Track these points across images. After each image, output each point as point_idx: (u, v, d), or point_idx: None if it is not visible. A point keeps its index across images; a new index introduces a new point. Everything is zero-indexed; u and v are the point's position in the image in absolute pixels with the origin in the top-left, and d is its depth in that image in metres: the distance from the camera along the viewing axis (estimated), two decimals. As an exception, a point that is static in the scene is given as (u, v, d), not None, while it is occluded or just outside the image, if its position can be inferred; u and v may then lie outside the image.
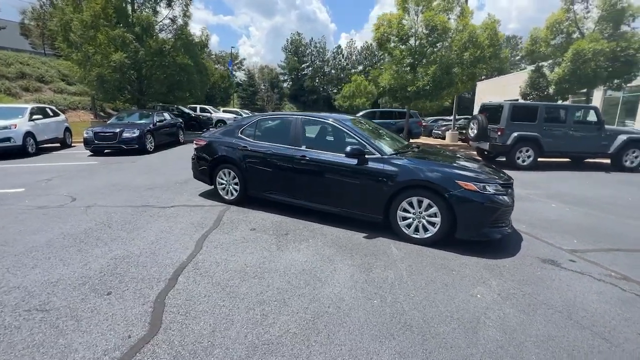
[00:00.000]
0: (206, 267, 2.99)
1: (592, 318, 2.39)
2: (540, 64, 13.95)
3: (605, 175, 8.36)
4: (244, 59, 55.14)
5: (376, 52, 66.45)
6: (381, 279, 2.87)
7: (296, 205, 4.40)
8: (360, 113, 15.25)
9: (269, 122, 4.97)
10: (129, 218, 4.24)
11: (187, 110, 19.15)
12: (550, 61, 13.60)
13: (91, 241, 3.48)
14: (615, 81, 12.30)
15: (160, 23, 15.60)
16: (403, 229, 3.66)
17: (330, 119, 4.39)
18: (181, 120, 14.09)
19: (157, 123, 11.30)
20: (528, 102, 13.30)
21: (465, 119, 19.08)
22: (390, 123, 13.97)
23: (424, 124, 17.01)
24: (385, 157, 3.75)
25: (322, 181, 4.09)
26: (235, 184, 4.87)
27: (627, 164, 8.82)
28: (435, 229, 3.49)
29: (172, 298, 2.48)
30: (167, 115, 12.65)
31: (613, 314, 2.44)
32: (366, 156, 3.78)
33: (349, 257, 3.27)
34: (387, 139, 4.57)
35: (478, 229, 3.35)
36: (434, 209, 3.46)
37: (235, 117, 23.28)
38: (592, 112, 9.04)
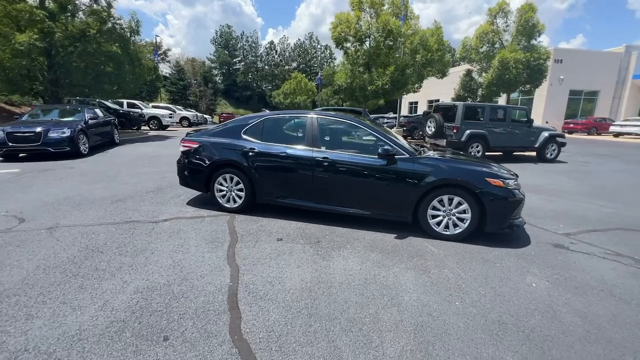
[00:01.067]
0: (260, 288, 2.61)
1: (628, 292, 2.78)
2: (470, 69, 15.78)
3: (535, 166, 9.88)
4: (169, 49, 50.13)
5: (309, 50, 67.25)
6: (443, 279, 2.88)
7: (311, 210, 4.16)
8: (317, 110, 15.24)
9: (279, 122, 4.59)
10: (119, 239, 3.47)
11: (113, 106, 16.62)
12: (478, 67, 15.48)
13: (90, 273, 2.74)
14: (527, 86, 14.63)
15: (80, 2, 13.14)
16: (433, 226, 3.75)
17: (348, 119, 4.26)
18: (114, 117, 12.17)
19: (90, 120, 9.54)
20: (477, 102, 14.91)
21: (405, 117, 20.60)
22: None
23: (373, 121, 17.85)
24: (415, 157, 3.78)
25: (349, 184, 3.94)
26: (239, 190, 4.40)
27: (548, 155, 10.57)
28: (465, 225, 3.66)
29: (250, 332, 2.10)
30: (99, 112, 10.76)
31: (636, 286, 2.88)
32: (395, 157, 3.76)
33: (397, 260, 3.21)
34: (401, 138, 4.62)
35: (505, 221, 3.62)
36: (464, 206, 3.62)
37: (170, 114, 21.11)
38: (524, 112, 10.59)
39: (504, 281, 2.88)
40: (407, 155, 3.80)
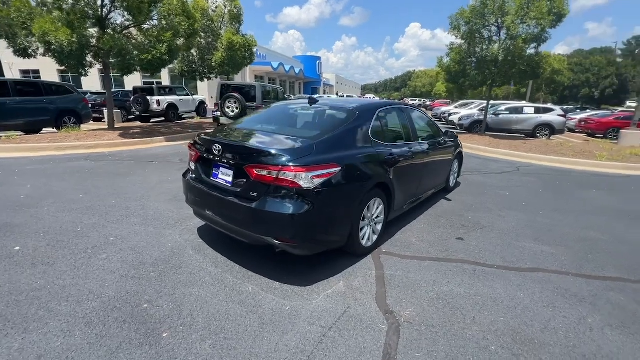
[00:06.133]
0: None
1: (513, 184, 5.82)
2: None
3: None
4: None
5: None
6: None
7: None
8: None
9: (390, 114, 3.26)
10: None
11: None
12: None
13: None
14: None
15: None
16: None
17: (411, 107, 4.10)
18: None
19: None
20: (270, 84, 14.49)
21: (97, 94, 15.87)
22: (37, 100, 8.94)
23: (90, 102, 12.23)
24: (442, 133, 4.61)
25: (432, 170, 4.05)
26: (377, 216, 2.98)
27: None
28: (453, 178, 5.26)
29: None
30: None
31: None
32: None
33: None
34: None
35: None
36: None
37: None
38: (282, 90, 12.60)
39: (512, 198, 4.92)
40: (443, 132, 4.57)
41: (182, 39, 9.64)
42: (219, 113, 10.09)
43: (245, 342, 1.94)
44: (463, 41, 12.74)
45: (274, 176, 2.29)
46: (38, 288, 2.36)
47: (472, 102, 21.37)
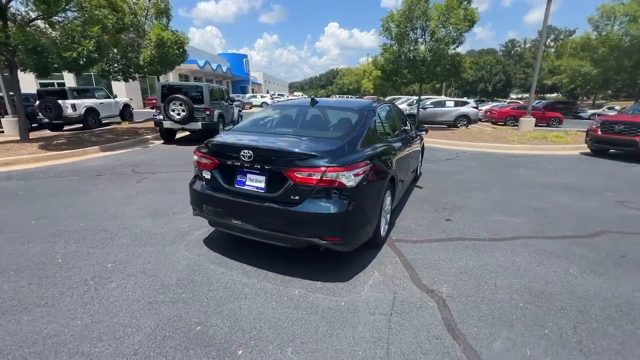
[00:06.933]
0: (543, 235, 3.45)
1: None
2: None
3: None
4: None
5: None
6: (478, 190, 5.15)
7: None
8: None
9: (383, 111, 3.46)
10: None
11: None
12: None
13: None
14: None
15: None
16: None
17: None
18: None
19: None
20: (216, 84, 13.06)
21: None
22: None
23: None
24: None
25: (412, 160, 4.48)
26: (387, 207, 3.22)
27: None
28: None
29: (596, 238, 3.36)
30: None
31: (456, 167, 6.90)
32: None
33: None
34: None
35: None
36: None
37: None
38: (227, 91, 12.00)
39: (469, 181, 5.70)
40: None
41: (109, 35, 8.48)
42: (161, 117, 9.19)
43: (323, 342, 1.97)
44: (394, 42, 13.88)
45: (318, 178, 2.33)
46: (54, 334, 1.99)
47: (400, 98, 23.36)
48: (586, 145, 9.57)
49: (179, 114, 9.04)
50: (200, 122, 9.28)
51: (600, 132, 9.01)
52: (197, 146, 2.98)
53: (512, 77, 54.14)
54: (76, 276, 2.61)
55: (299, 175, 2.35)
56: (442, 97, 19.14)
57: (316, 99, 3.51)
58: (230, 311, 2.23)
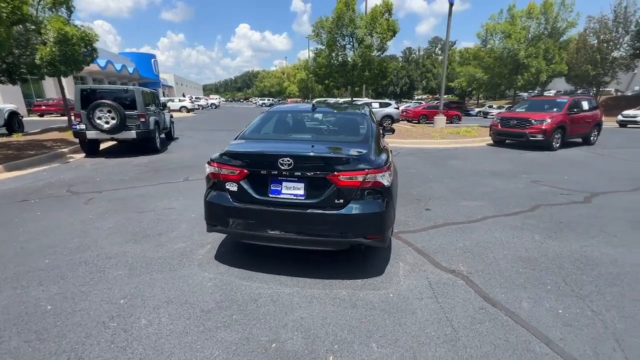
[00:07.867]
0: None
1: (413, 163, 7.50)
2: None
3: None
4: None
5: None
6: (436, 181, 5.89)
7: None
8: None
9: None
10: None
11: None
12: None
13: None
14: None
15: None
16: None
17: None
18: None
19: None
20: (147, 88, 10.79)
21: None
22: None
23: None
24: None
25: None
26: None
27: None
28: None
29: (540, 211, 4.26)
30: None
31: (406, 162, 7.69)
32: None
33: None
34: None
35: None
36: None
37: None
38: (156, 94, 10.77)
39: (424, 174, 6.46)
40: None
41: (3, 27, 6.84)
42: (83, 126, 7.80)
43: (396, 331, 2.13)
44: (324, 47, 14.55)
45: (361, 180, 2.45)
46: (109, 389, 1.67)
47: (327, 100, 24.43)
48: (490, 138, 11.69)
49: (107, 122, 7.83)
50: (134, 131, 8.20)
51: (500, 127, 11.11)
52: (211, 157, 2.76)
53: (415, 81, 61.56)
54: (87, 321, 2.19)
55: (344, 179, 2.44)
56: (369, 100, 20.72)
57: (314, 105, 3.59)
58: (295, 322, 2.20)
